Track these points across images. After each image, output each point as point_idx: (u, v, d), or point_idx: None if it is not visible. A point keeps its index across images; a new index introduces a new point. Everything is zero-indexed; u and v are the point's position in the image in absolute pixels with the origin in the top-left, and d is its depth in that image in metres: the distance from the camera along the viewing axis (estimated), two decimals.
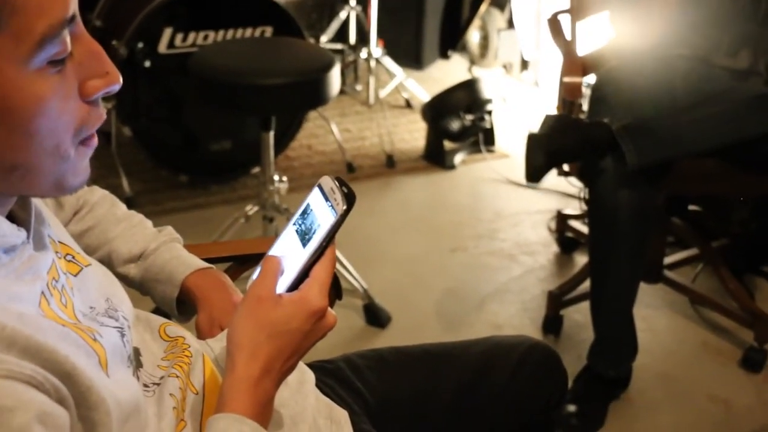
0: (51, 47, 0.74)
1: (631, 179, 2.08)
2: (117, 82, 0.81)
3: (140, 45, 3.05)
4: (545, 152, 2.12)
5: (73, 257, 0.96)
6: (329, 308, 0.91)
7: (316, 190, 0.92)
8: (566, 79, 2.47)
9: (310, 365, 1.23)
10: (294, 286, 0.90)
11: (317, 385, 1.18)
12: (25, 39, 0.72)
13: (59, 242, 0.94)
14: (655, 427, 2.24)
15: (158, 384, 0.97)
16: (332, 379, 1.26)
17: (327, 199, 0.89)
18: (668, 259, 2.68)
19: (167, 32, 3.09)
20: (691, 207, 2.78)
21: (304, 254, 0.90)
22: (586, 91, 2.48)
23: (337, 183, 0.90)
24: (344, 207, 0.88)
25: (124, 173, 3.29)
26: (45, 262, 0.85)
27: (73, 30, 0.77)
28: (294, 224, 0.93)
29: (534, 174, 2.19)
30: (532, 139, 2.18)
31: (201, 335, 1.20)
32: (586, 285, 2.37)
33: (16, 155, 0.76)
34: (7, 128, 0.74)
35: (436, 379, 1.31)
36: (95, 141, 0.83)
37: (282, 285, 0.91)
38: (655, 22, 2.38)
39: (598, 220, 2.21)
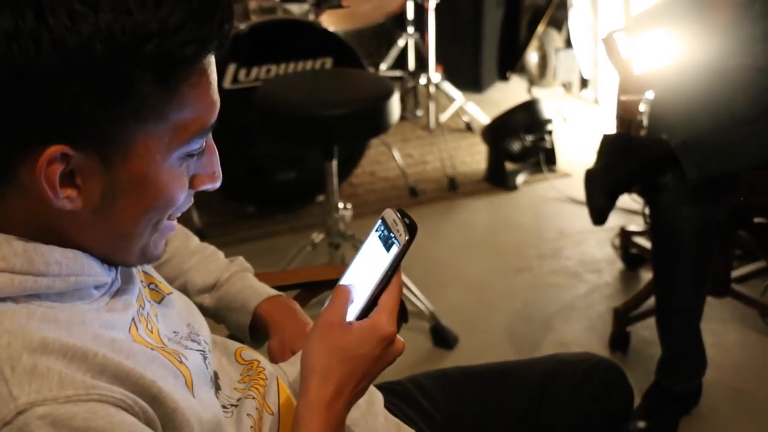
0: (195, 144, 0.83)
1: (693, 194, 2.09)
2: (219, 182, 0.90)
3: None
4: (605, 191, 2.13)
5: (156, 286, 1.03)
6: (398, 334, 0.95)
7: (379, 223, 0.96)
8: (623, 98, 2.48)
9: (378, 386, 1.27)
10: (363, 314, 0.94)
11: (385, 406, 1.22)
12: (181, 134, 0.81)
13: (144, 272, 1.02)
14: None
15: (236, 405, 1.03)
16: (400, 399, 1.29)
17: (390, 231, 0.94)
18: (736, 273, 2.65)
19: (231, 68, 3.18)
20: (757, 219, 2.75)
21: (371, 283, 0.94)
22: (645, 108, 2.48)
23: (398, 215, 0.94)
24: (407, 237, 0.92)
25: (194, 206, 3.36)
26: (133, 292, 0.93)
27: None
28: (362, 255, 0.98)
29: (598, 215, 2.20)
30: (590, 177, 2.18)
31: (273, 359, 1.25)
32: (652, 301, 2.36)
33: (128, 224, 0.85)
34: (134, 201, 0.83)
35: (501, 397, 1.34)
36: (176, 221, 0.93)
37: (351, 313, 0.95)
38: (713, 36, 2.38)
39: (661, 237, 2.21)
